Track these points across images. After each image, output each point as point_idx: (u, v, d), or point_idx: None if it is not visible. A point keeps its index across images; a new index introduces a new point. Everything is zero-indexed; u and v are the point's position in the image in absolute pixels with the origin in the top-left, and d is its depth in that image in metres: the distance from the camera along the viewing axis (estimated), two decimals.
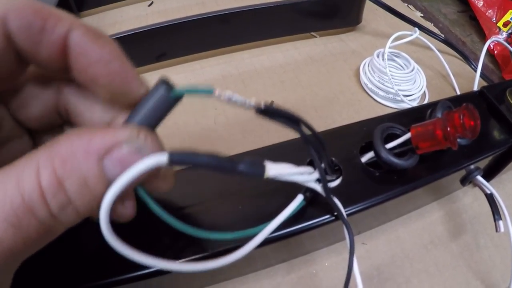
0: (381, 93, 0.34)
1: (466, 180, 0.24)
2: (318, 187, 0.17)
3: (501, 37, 0.44)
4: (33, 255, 0.11)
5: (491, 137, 0.23)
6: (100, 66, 0.12)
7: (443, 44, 0.41)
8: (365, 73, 0.35)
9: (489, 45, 0.43)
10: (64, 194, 0.10)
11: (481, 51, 0.32)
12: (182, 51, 0.37)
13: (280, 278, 0.23)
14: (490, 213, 0.22)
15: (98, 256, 0.16)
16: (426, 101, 0.35)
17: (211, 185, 0.19)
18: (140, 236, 0.16)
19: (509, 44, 0.37)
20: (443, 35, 0.42)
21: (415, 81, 0.34)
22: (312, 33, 0.42)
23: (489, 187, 0.23)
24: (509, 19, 0.45)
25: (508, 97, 0.25)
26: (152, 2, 0.47)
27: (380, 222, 0.25)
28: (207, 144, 0.30)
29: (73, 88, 0.14)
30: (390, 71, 0.33)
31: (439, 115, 0.19)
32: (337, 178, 0.19)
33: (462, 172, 0.23)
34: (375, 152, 0.19)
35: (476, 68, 0.32)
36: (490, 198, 0.23)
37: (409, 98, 0.33)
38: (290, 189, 0.17)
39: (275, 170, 0.13)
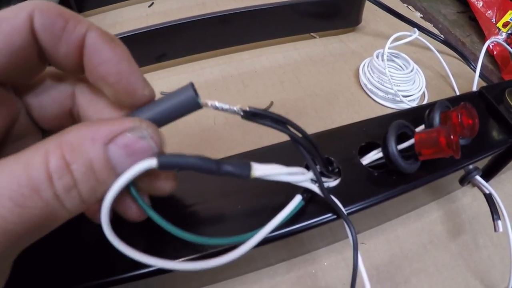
0: (380, 93, 0.34)
1: (465, 180, 0.24)
2: (314, 187, 0.17)
3: (501, 37, 0.44)
4: (33, 252, 0.11)
5: (489, 137, 0.23)
6: (110, 65, 0.13)
7: (442, 45, 0.41)
8: (365, 73, 0.35)
9: (489, 46, 0.43)
10: (70, 176, 0.11)
11: (480, 51, 0.32)
12: (182, 51, 0.37)
13: (280, 278, 0.23)
14: (489, 213, 0.22)
15: (97, 255, 0.16)
16: (425, 102, 0.35)
17: (211, 186, 0.19)
18: (138, 236, 0.16)
19: (508, 44, 0.37)
20: (442, 36, 0.42)
21: (414, 82, 0.34)
22: (312, 34, 0.42)
23: (488, 187, 0.23)
24: (508, 20, 0.45)
25: (507, 98, 0.25)
26: (152, 3, 0.47)
27: (379, 222, 0.25)
28: (207, 144, 0.30)
29: (86, 94, 0.15)
30: (389, 71, 0.33)
31: (437, 114, 0.19)
32: (336, 178, 0.19)
33: (461, 172, 0.23)
34: (385, 147, 0.19)
35: (476, 69, 0.32)
36: (489, 198, 0.23)
37: (408, 98, 0.33)
38: (292, 189, 0.17)
39: (261, 170, 0.14)
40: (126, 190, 0.13)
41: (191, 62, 0.38)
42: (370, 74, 0.35)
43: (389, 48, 0.34)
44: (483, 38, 0.46)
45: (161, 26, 0.34)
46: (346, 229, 0.17)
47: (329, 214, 0.18)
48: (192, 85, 0.14)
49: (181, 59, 0.38)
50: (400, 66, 0.35)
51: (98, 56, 0.13)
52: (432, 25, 0.46)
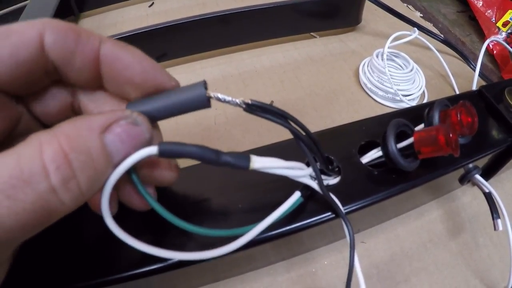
0: (380, 93, 0.34)
1: (465, 179, 0.24)
2: (314, 184, 0.17)
3: (500, 37, 0.45)
4: (35, 247, 0.11)
5: (489, 136, 0.23)
6: (134, 68, 0.13)
7: (442, 44, 0.41)
8: (365, 73, 0.35)
9: (489, 45, 0.43)
10: (68, 167, 0.10)
11: (480, 51, 0.32)
12: (183, 51, 0.38)
13: (280, 277, 0.23)
14: (489, 212, 0.23)
15: (98, 251, 0.16)
16: (425, 101, 0.35)
17: (213, 181, 0.19)
18: (142, 229, 0.16)
19: (508, 44, 0.38)
20: (442, 35, 0.42)
21: (414, 81, 0.34)
22: (312, 33, 0.42)
23: (487, 186, 0.23)
24: (508, 19, 0.45)
25: (507, 97, 0.25)
26: (153, 3, 0.48)
27: (379, 220, 0.25)
28: (207, 143, 0.30)
29: (85, 89, 0.15)
30: (389, 71, 0.33)
31: (436, 113, 0.19)
32: (335, 176, 0.19)
33: (461, 171, 0.23)
34: (385, 144, 0.19)
35: (475, 68, 0.32)
36: (489, 196, 0.23)
37: (408, 97, 0.33)
38: (292, 187, 0.17)
39: (260, 162, 0.14)
40: (129, 179, 0.13)
41: (191, 61, 0.38)
42: (370, 73, 0.35)
43: (389, 48, 0.34)
44: (483, 37, 0.46)
45: (162, 26, 0.34)
46: (344, 229, 0.17)
47: (328, 213, 0.18)
48: (204, 82, 0.14)
49: (182, 58, 0.38)
50: (400, 66, 0.35)
51: (120, 62, 0.13)
52: (432, 24, 0.47)
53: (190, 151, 0.13)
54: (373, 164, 0.20)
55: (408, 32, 0.36)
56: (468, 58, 0.40)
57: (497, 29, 0.45)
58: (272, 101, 0.38)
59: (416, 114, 0.23)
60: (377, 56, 0.35)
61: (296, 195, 0.17)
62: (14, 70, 0.12)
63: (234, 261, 0.20)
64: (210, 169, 0.14)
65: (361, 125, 0.22)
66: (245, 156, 0.14)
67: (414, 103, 0.34)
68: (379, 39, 0.42)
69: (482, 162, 0.24)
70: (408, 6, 0.49)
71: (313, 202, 0.18)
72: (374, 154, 0.20)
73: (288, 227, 0.17)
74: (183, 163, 0.17)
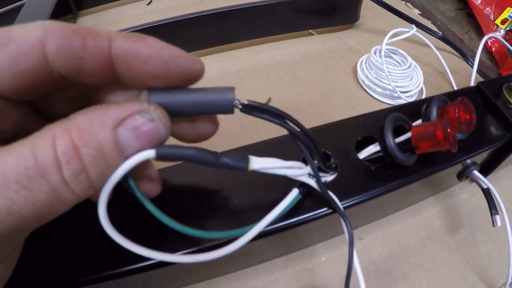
0: (378, 89, 0.34)
1: (463, 175, 0.24)
2: (311, 182, 0.17)
3: (499, 34, 0.44)
4: (38, 240, 0.11)
5: (487, 132, 0.23)
6: (153, 60, 0.12)
7: (440, 42, 0.41)
8: (362, 70, 0.35)
9: (487, 42, 0.43)
10: (79, 160, 0.10)
11: (478, 47, 0.32)
12: (180, 48, 0.37)
13: (277, 273, 0.23)
14: (487, 208, 0.22)
15: (98, 247, 0.16)
16: (423, 98, 0.35)
17: (210, 180, 0.19)
18: (138, 229, 0.16)
19: (506, 41, 0.37)
20: (440, 33, 0.42)
21: (412, 78, 0.34)
22: (310, 31, 0.42)
23: (485, 182, 0.23)
24: (507, 17, 0.45)
25: (505, 93, 0.25)
26: (151, 1, 0.47)
27: (377, 216, 0.25)
28: (205, 141, 0.30)
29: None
30: (387, 67, 0.33)
31: (434, 109, 0.19)
32: (332, 172, 0.19)
33: (459, 167, 0.23)
34: (382, 138, 0.19)
35: (473, 65, 0.32)
36: (487, 192, 0.23)
37: (406, 94, 0.33)
38: (289, 184, 0.17)
39: (259, 163, 0.14)
40: (125, 183, 0.13)
41: None
42: (368, 70, 0.35)
43: (387, 45, 0.34)
44: (481, 35, 0.46)
45: (159, 24, 0.34)
46: (342, 225, 0.17)
47: (326, 209, 0.18)
48: (234, 89, 0.13)
49: None
50: (398, 62, 0.35)
51: (137, 58, 0.12)
52: (430, 22, 0.46)
53: (188, 154, 0.13)
54: (370, 159, 0.20)
55: (406, 29, 0.36)
56: (466, 55, 0.40)
57: (495, 27, 0.45)
58: (270, 98, 0.38)
59: (414, 110, 0.23)
60: (375, 53, 0.35)
61: (294, 192, 0.17)
62: (14, 80, 0.11)
63: (232, 257, 0.20)
64: (206, 167, 0.14)
65: (358, 120, 0.22)
66: (244, 157, 0.14)
67: (412, 100, 0.34)
68: (377, 37, 0.42)
69: (480, 158, 0.24)
70: (406, 3, 0.49)
71: (310, 197, 0.18)
72: (371, 149, 0.20)
73: (285, 222, 0.17)
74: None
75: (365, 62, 0.36)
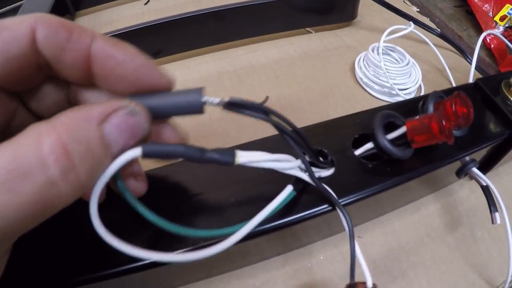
0: (376, 87, 0.34)
1: (462, 172, 0.24)
2: (305, 176, 0.17)
3: (498, 30, 0.44)
4: (29, 242, 0.11)
5: (486, 128, 0.23)
6: (126, 65, 0.13)
7: (439, 39, 0.41)
8: (360, 67, 0.35)
9: (486, 39, 0.43)
10: (68, 158, 0.10)
11: (476, 44, 0.32)
12: (178, 48, 0.37)
13: (275, 272, 0.23)
14: (487, 205, 0.22)
15: (91, 248, 0.16)
16: (421, 95, 0.35)
17: (204, 178, 0.19)
18: (131, 229, 0.16)
19: (505, 37, 0.37)
20: (439, 30, 0.42)
21: (410, 75, 0.34)
22: (307, 29, 0.42)
23: (485, 179, 0.23)
24: (505, 13, 0.45)
25: (503, 89, 0.24)
26: (148, 1, 0.47)
27: (376, 214, 0.25)
28: (202, 139, 0.30)
29: (81, 85, 0.15)
30: (385, 65, 0.33)
31: (430, 105, 0.19)
32: (329, 168, 0.19)
33: (458, 164, 0.23)
34: (374, 136, 0.19)
35: (472, 62, 0.32)
36: (486, 190, 0.23)
37: (404, 91, 0.33)
38: (285, 181, 0.17)
39: (245, 157, 0.14)
40: (113, 184, 0.13)
41: (187, 58, 0.38)
42: (366, 68, 0.35)
43: (384, 42, 0.34)
44: (480, 32, 0.45)
45: (157, 23, 0.34)
46: (340, 217, 0.16)
47: (323, 205, 0.18)
48: (203, 89, 0.14)
49: (177, 55, 0.38)
50: (396, 60, 0.35)
51: (112, 60, 0.13)
52: (428, 19, 0.46)
53: (173, 150, 0.13)
54: (367, 156, 0.20)
55: (404, 26, 0.36)
56: (465, 52, 0.40)
57: (494, 23, 0.45)
58: (267, 97, 0.38)
59: (412, 107, 0.22)
60: (373, 51, 0.35)
61: (288, 189, 0.17)
62: (6, 66, 0.12)
63: (228, 256, 0.20)
64: (199, 164, 0.14)
65: (355, 118, 0.22)
66: (230, 151, 0.14)
67: (410, 97, 0.33)
68: (375, 34, 0.42)
69: (479, 155, 0.24)
70: (405, 1, 0.49)
71: (307, 195, 0.18)
72: (369, 146, 0.20)
73: (282, 221, 0.17)
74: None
75: (363, 60, 0.36)
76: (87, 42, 0.13)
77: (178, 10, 0.36)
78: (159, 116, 0.14)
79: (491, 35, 0.42)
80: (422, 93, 0.35)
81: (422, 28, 0.40)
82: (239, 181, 0.19)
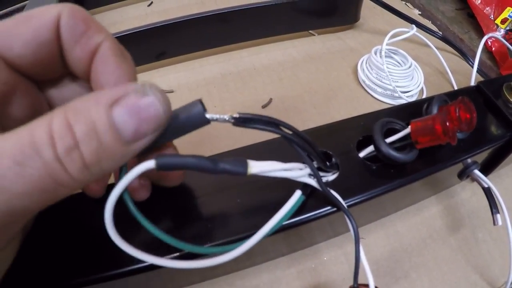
0: (379, 89, 0.34)
1: (464, 174, 0.24)
2: (313, 182, 0.17)
3: (499, 33, 0.45)
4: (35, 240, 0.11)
5: (488, 131, 0.23)
6: (110, 77, 0.14)
7: (441, 42, 0.41)
8: (363, 70, 0.35)
9: (487, 42, 0.44)
10: (71, 136, 0.11)
11: (478, 47, 0.32)
12: (182, 50, 0.38)
13: (280, 272, 0.23)
14: (488, 207, 0.23)
15: (98, 248, 0.16)
16: (424, 97, 0.35)
17: (211, 181, 0.19)
18: (138, 231, 0.16)
19: (506, 40, 0.38)
20: (440, 33, 0.42)
21: (412, 78, 0.34)
22: (310, 31, 0.42)
23: (486, 181, 0.23)
24: (507, 16, 0.45)
25: (505, 92, 0.25)
26: (151, 2, 0.48)
27: (379, 216, 0.25)
28: (206, 141, 0.30)
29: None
30: (387, 67, 0.33)
31: (435, 109, 0.19)
32: (334, 172, 0.19)
33: (460, 166, 0.23)
34: (375, 146, 0.19)
35: (473, 65, 0.32)
36: (488, 192, 0.23)
37: (406, 94, 0.33)
38: (292, 183, 0.17)
39: (258, 167, 0.14)
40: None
41: (190, 60, 0.38)
42: (369, 70, 0.35)
43: (387, 45, 0.34)
44: (481, 34, 0.46)
45: (161, 25, 0.34)
46: (346, 221, 0.17)
47: (329, 208, 0.18)
48: (200, 101, 0.14)
49: (181, 57, 0.38)
50: (398, 63, 0.35)
51: (104, 66, 0.14)
52: (430, 22, 0.47)
53: (187, 162, 0.13)
54: (371, 158, 0.20)
55: (406, 29, 0.36)
56: (466, 55, 0.40)
57: (495, 26, 0.45)
58: (271, 99, 0.38)
59: (415, 110, 0.23)
60: (375, 53, 0.35)
61: (297, 194, 0.17)
62: (35, 51, 0.13)
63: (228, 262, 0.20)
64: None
65: (359, 120, 0.22)
66: (242, 161, 0.14)
67: (412, 100, 0.34)
68: (378, 37, 0.42)
69: (481, 157, 0.24)
70: (407, 3, 0.49)
71: (313, 197, 0.18)
72: (372, 149, 0.20)
73: (288, 222, 0.17)
74: None
75: (366, 62, 0.36)
76: (98, 41, 0.13)
77: (181, 12, 0.36)
78: (168, 138, 0.14)
79: (492, 38, 0.43)
80: (424, 96, 0.35)
81: (424, 31, 0.41)
82: (245, 184, 0.19)
